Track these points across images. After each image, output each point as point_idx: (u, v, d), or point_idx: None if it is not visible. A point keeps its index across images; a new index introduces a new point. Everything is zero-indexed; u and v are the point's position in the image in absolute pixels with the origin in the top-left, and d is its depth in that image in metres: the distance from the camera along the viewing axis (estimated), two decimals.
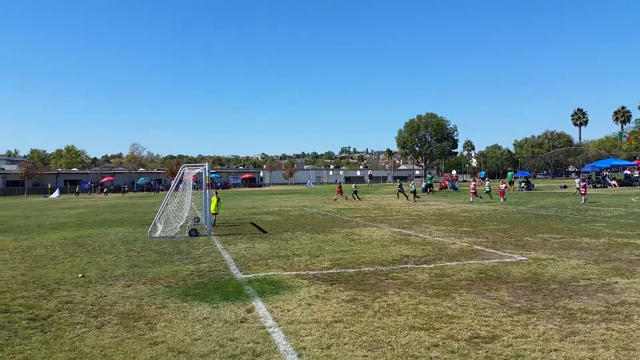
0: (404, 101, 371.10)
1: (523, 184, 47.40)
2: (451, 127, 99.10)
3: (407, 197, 35.75)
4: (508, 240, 13.82)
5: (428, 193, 43.67)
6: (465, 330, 6.03)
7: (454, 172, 68.53)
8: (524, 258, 10.89)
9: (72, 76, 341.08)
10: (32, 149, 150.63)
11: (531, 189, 46.20)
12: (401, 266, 10.19)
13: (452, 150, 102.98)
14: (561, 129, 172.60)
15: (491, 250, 12.07)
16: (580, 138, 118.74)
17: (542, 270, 9.52)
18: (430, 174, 57.72)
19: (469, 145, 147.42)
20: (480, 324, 6.24)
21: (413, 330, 6.02)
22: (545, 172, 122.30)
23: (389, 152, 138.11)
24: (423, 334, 5.88)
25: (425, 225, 18.03)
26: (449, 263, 10.46)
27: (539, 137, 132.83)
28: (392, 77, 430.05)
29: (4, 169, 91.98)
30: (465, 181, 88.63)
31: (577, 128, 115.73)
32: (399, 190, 37.69)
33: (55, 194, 66.28)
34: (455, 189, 50.49)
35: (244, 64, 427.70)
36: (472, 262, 10.56)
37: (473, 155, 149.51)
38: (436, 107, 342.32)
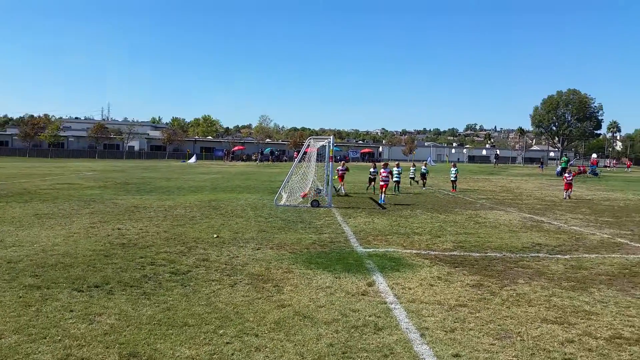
0: (541, 75, 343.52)
1: None
2: (595, 106, 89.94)
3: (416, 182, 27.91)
4: None
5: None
6: (604, 328, 5.52)
7: (594, 155, 62.55)
8: None
9: (210, 51, 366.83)
10: (173, 117, 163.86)
11: None
12: (532, 254, 9.57)
13: (595, 132, 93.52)
14: None
15: (637, 245, 10.87)
16: None
17: None
18: (566, 156, 53.17)
19: (614, 127, 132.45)
20: (623, 324, 5.67)
21: (545, 323, 5.64)
22: None
23: (521, 131, 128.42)
24: (557, 328, 5.49)
25: (560, 212, 16.72)
26: (587, 255, 9.61)
27: None
28: (526, 50, 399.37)
29: (149, 134, 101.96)
30: (606, 167, 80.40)
31: None
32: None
33: (193, 159, 71.95)
34: (596, 174, 46.03)
35: (364, 39, 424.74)
36: (613, 255, 9.60)
37: (618, 138, 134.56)
38: (579, 84, 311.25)
